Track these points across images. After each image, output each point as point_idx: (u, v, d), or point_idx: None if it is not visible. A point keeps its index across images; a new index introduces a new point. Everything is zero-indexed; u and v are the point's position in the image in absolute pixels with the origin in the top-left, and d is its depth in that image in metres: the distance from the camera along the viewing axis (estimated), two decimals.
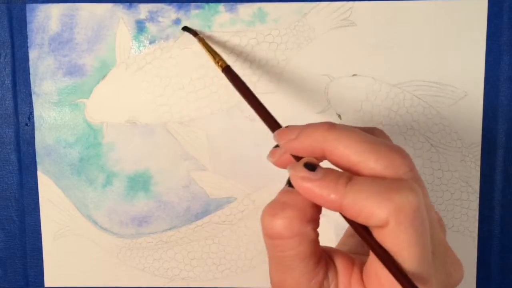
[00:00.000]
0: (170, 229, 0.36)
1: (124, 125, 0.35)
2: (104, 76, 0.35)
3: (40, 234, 0.36)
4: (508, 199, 0.35)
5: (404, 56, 0.34)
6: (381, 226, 0.19)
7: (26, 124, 0.36)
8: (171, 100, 0.35)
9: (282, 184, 0.36)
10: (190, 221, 0.36)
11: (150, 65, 0.35)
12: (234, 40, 0.34)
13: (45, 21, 0.35)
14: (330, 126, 0.21)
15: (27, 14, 0.35)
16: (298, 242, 0.21)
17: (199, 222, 0.36)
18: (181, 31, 0.34)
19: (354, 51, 0.34)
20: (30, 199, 0.36)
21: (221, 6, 0.34)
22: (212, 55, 0.31)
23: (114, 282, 0.37)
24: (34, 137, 0.36)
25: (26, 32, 0.35)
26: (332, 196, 0.20)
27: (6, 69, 0.35)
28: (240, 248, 0.36)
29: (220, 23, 0.34)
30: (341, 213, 0.21)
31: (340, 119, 0.35)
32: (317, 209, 0.22)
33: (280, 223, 0.21)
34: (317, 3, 0.34)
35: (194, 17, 0.34)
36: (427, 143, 0.35)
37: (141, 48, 0.35)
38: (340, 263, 0.23)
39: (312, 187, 0.20)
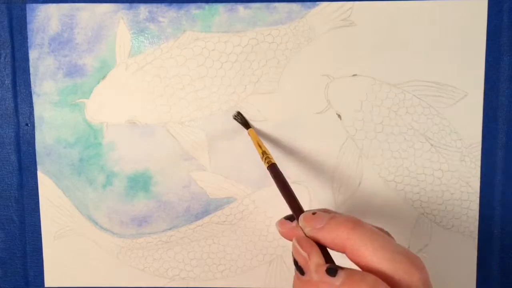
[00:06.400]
0: (170, 229, 0.36)
1: (124, 125, 0.35)
2: (104, 76, 0.35)
3: (40, 234, 0.36)
4: (508, 199, 0.35)
5: (404, 56, 0.34)
6: None
7: (26, 124, 0.36)
8: (171, 100, 0.35)
9: None
10: (190, 221, 0.36)
11: (150, 65, 0.35)
12: (234, 40, 0.34)
13: (45, 21, 0.35)
14: (355, 225, 0.23)
15: (27, 14, 0.35)
16: None
17: (199, 222, 0.36)
18: (183, 32, 0.34)
19: (354, 51, 0.34)
20: (30, 199, 0.36)
21: (221, 7, 0.34)
22: (261, 149, 0.32)
23: (114, 282, 0.37)
24: (34, 137, 0.36)
25: (26, 32, 0.35)
26: None
27: (6, 69, 0.35)
28: (240, 248, 0.36)
29: (220, 23, 0.34)
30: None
31: (340, 119, 0.35)
32: None
33: None
34: (317, 3, 0.34)
35: (195, 17, 0.34)
36: (427, 143, 0.35)
37: (141, 48, 0.35)
38: None
39: None
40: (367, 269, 0.22)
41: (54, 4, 0.34)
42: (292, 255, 0.24)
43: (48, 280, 0.37)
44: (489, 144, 0.35)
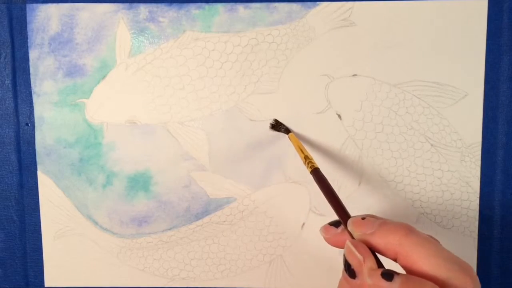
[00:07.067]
0: (170, 229, 0.36)
1: (124, 125, 0.35)
2: (104, 76, 0.35)
3: (40, 234, 0.36)
4: (508, 199, 0.35)
5: (404, 56, 0.34)
6: None
7: (26, 124, 0.36)
8: (171, 100, 0.35)
9: (282, 184, 0.36)
10: (190, 221, 0.36)
11: (150, 65, 0.35)
12: (234, 40, 0.34)
13: (45, 21, 0.35)
14: (407, 232, 0.23)
15: (27, 14, 0.35)
16: None
17: (199, 222, 0.36)
18: (183, 32, 0.34)
19: (354, 51, 0.34)
20: (30, 199, 0.36)
21: (221, 7, 0.34)
22: (303, 154, 0.31)
23: (114, 282, 0.37)
24: (34, 137, 0.36)
25: (26, 32, 0.35)
26: None
27: (6, 69, 0.35)
28: (240, 248, 0.36)
29: (220, 23, 0.34)
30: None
31: (340, 119, 0.35)
32: None
33: None
34: (317, 3, 0.34)
35: (195, 17, 0.34)
36: (427, 143, 0.35)
37: (141, 48, 0.35)
38: None
39: None
40: (420, 276, 0.22)
41: (54, 4, 0.34)
42: (344, 258, 0.24)
43: (48, 280, 0.37)
44: (489, 144, 0.35)
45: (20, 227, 0.37)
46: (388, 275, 0.22)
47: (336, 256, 0.36)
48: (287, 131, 0.34)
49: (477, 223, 0.35)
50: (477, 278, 0.22)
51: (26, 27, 0.35)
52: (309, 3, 0.34)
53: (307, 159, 0.31)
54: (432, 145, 0.35)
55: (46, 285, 0.37)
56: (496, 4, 0.34)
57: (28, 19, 0.35)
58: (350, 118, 0.35)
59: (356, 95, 0.34)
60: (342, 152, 0.35)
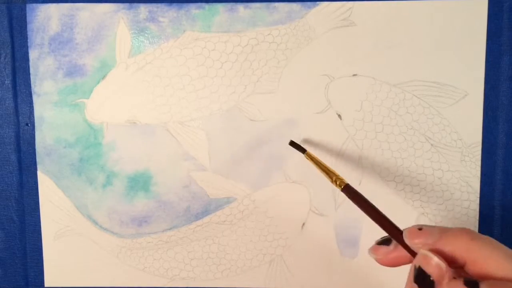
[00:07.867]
0: (170, 229, 0.36)
1: (124, 125, 0.35)
2: (104, 76, 0.35)
3: (40, 234, 0.36)
4: (508, 199, 0.35)
5: (404, 56, 0.34)
6: None
7: (26, 124, 0.36)
8: (171, 100, 0.35)
9: (282, 184, 0.36)
10: (190, 221, 0.36)
11: (150, 65, 0.35)
12: (234, 40, 0.34)
13: (45, 21, 0.35)
14: (472, 236, 0.22)
15: (27, 14, 0.35)
16: None
17: (199, 222, 0.36)
18: (183, 32, 0.34)
19: (354, 51, 0.34)
20: (30, 199, 0.36)
21: (221, 7, 0.34)
22: (327, 173, 0.29)
23: (114, 282, 0.37)
24: (34, 137, 0.36)
25: (26, 32, 0.35)
26: None
27: (6, 69, 0.35)
28: (240, 248, 0.36)
29: (220, 23, 0.34)
30: None
31: (340, 119, 0.35)
32: None
33: None
34: (317, 3, 0.34)
35: (195, 17, 0.34)
36: (427, 143, 0.35)
37: (141, 48, 0.35)
38: None
39: None
40: (487, 278, 0.21)
41: (54, 4, 0.34)
42: (416, 271, 0.22)
43: (48, 280, 0.37)
44: (489, 144, 0.35)
45: (20, 227, 0.37)
46: (472, 283, 0.20)
47: (336, 256, 0.36)
48: (303, 150, 0.33)
49: (477, 223, 0.35)
50: None
51: (26, 27, 0.35)
52: (309, 3, 0.34)
53: (333, 176, 0.28)
54: (432, 145, 0.35)
55: (46, 285, 0.37)
56: (496, 4, 0.34)
57: (28, 19, 0.35)
58: (350, 118, 0.35)
59: (356, 95, 0.34)
60: (342, 152, 0.35)
